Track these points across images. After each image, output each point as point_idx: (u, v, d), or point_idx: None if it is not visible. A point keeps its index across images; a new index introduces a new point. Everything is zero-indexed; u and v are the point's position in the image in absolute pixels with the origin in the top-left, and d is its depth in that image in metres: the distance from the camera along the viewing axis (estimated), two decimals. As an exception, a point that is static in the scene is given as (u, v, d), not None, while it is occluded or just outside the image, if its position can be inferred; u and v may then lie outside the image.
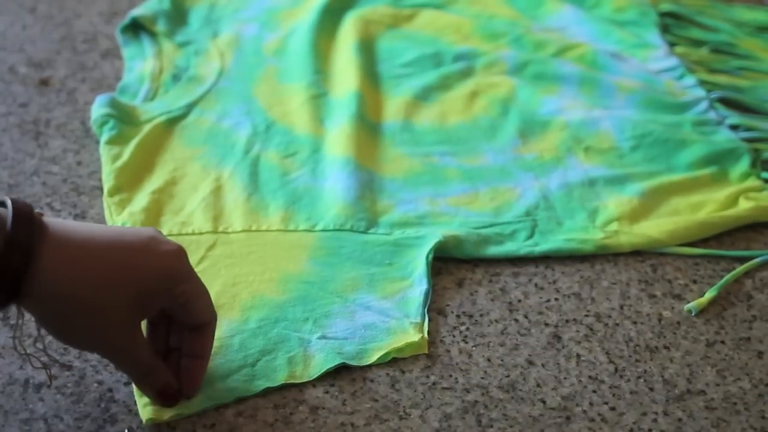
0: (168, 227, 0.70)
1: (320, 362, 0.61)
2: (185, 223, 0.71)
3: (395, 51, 0.92)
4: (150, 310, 0.55)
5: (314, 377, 0.61)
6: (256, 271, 0.68)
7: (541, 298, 0.69)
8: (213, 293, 0.62)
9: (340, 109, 0.83)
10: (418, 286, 0.68)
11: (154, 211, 0.71)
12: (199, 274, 0.62)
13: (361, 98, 0.84)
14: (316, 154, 0.79)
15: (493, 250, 0.71)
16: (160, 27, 0.92)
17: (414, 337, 0.64)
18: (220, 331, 0.62)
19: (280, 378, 0.60)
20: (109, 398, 0.58)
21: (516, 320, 0.67)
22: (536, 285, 0.70)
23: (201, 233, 0.70)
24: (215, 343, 0.59)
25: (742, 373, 0.64)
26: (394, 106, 0.85)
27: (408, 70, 0.90)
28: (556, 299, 0.69)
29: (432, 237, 0.71)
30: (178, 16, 0.94)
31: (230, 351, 0.62)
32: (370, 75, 0.88)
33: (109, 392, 0.59)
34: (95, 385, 0.59)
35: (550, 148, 0.81)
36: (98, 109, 0.79)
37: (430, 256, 0.69)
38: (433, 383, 0.61)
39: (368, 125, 0.82)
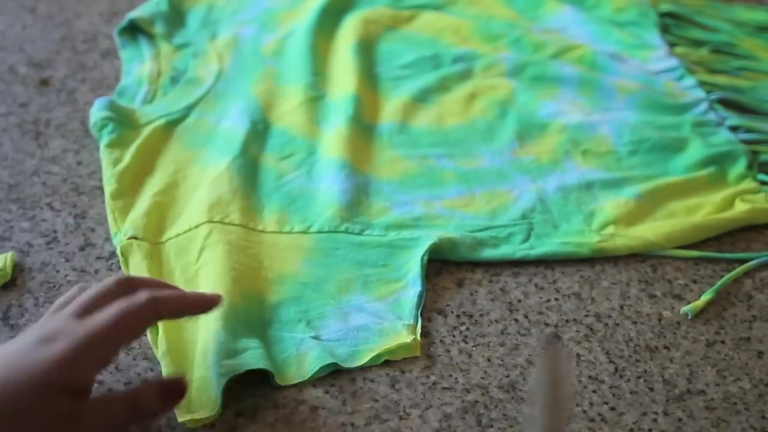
0: (169, 234, 0.70)
1: (312, 361, 0.61)
2: (182, 223, 0.71)
3: (394, 53, 0.92)
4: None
5: (306, 378, 0.61)
6: (253, 266, 0.68)
7: (541, 298, 0.69)
8: (212, 276, 0.65)
9: (337, 111, 0.83)
10: (412, 288, 0.67)
11: (156, 215, 0.71)
12: (202, 272, 0.65)
13: (359, 100, 0.84)
14: (311, 156, 0.79)
15: (489, 253, 0.71)
16: (158, 29, 0.92)
17: (406, 338, 0.64)
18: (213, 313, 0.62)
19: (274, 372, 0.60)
20: (109, 398, 0.58)
21: (516, 320, 0.67)
22: (536, 285, 0.70)
23: (198, 226, 0.70)
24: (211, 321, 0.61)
25: (742, 373, 0.64)
26: (391, 108, 0.85)
27: (406, 72, 0.89)
28: (556, 299, 0.69)
29: (427, 239, 0.70)
30: (175, 18, 0.94)
31: (222, 333, 0.61)
32: (368, 77, 0.88)
33: (109, 392, 0.59)
34: (95, 384, 0.59)
35: (548, 151, 0.81)
36: (97, 112, 0.79)
37: (425, 258, 0.69)
38: (433, 383, 0.61)
39: (364, 127, 0.82)
